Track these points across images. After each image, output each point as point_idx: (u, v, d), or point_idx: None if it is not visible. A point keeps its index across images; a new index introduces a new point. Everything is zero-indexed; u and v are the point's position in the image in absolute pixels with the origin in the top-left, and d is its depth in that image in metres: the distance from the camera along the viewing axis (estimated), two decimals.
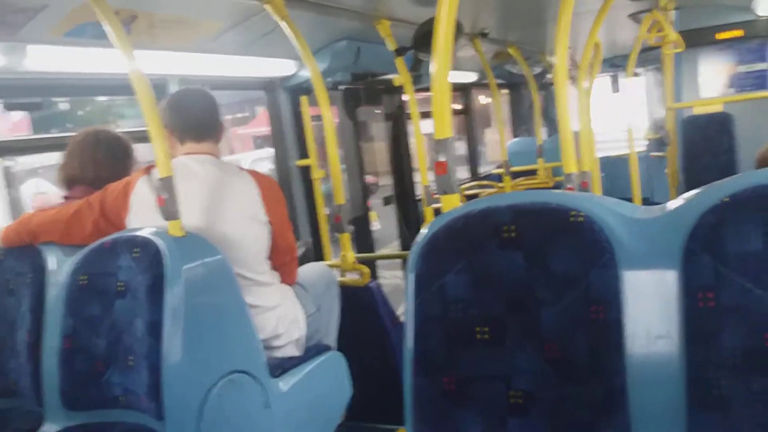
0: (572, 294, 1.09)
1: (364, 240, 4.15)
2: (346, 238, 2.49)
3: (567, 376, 1.09)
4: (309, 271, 2.27)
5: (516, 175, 5.41)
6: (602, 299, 1.07)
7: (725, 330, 0.98)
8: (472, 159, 5.99)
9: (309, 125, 2.96)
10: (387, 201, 4.77)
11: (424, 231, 1.24)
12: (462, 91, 5.81)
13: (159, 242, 1.64)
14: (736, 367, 0.97)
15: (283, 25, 2.33)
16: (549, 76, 6.04)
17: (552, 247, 1.11)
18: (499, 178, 5.04)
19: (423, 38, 3.00)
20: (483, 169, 6.49)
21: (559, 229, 1.11)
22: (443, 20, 1.31)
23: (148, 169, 1.89)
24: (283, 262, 2.02)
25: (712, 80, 4.64)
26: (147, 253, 1.65)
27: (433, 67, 1.32)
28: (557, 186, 4.56)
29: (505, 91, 6.99)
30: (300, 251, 2.58)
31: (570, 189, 2.05)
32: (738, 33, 4.34)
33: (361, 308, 2.44)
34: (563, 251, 1.10)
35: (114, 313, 1.69)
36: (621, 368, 1.05)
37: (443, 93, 1.32)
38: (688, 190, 1.13)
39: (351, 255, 2.49)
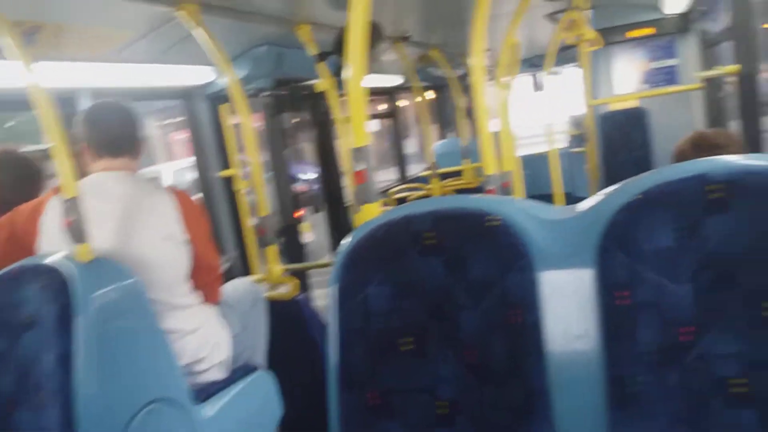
0: (490, 298, 1.08)
1: (295, 251, 4.07)
2: (272, 250, 2.42)
3: (488, 381, 1.08)
4: (234, 288, 2.18)
5: (444, 176, 5.46)
6: (520, 302, 1.07)
7: (641, 326, 0.99)
8: (401, 162, 6.00)
9: (230, 134, 2.87)
10: (316, 209, 4.71)
11: (345, 242, 1.21)
12: (388, 94, 5.81)
13: (65, 268, 1.53)
14: (652, 362, 0.99)
15: (198, 32, 2.24)
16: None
17: (470, 252, 1.10)
18: (427, 180, 5.07)
19: (345, 42, 2.96)
20: (419, 171, 6.51)
21: (476, 234, 1.11)
22: (356, 25, 1.28)
23: (60, 189, 1.77)
24: (205, 282, 1.93)
25: (628, 77, 4.82)
26: (53, 281, 1.54)
27: (348, 73, 1.29)
28: (481, 186, 4.63)
29: (432, 92, 7.06)
30: (225, 267, 2.49)
31: (490, 191, 2.06)
32: (649, 30, 4.53)
33: (290, 322, 2.38)
34: (480, 256, 1.10)
35: (21, 347, 1.57)
36: (541, 370, 1.05)
37: (359, 100, 1.28)
38: (607, 184, 1.14)
39: (277, 268, 2.42)
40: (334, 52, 3.05)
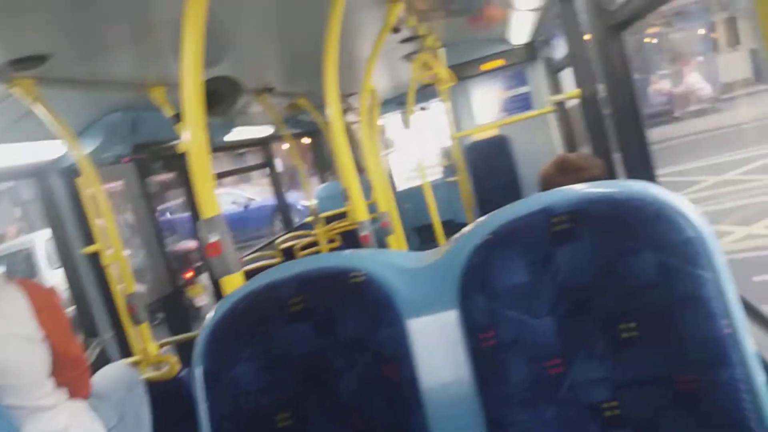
0: (364, 358, 1.05)
1: (182, 320, 3.86)
2: (144, 328, 2.27)
3: None
4: (105, 376, 2.02)
5: (329, 219, 5.45)
6: (393, 357, 1.04)
7: (510, 366, 0.99)
8: (284, 212, 5.93)
9: (90, 209, 2.70)
10: (198, 270, 4.53)
11: (207, 320, 1.13)
12: (262, 145, 5.75)
13: None
14: (527, 400, 0.99)
15: (37, 107, 2.10)
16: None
17: (338, 312, 1.07)
18: (312, 225, 5.04)
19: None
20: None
21: (342, 293, 1.07)
22: (188, 84, 1.23)
23: None
24: (70, 378, 1.77)
25: (487, 107, 5.08)
26: None
27: (186, 136, 1.23)
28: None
29: (309, 138, 7.09)
30: (95, 352, 2.30)
31: (364, 237, 2.07)
32: (500, 62, 4.81)
33: (174, 403, 2.22)
34: (349, 315, 1.06)
35: None
36: (424, 424, 1.02)
37: (202, 166, 1.23)
38: (482, 208, 1.14)
39: (152, 346, 2.27)
40: None
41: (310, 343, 1.07)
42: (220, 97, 2.84)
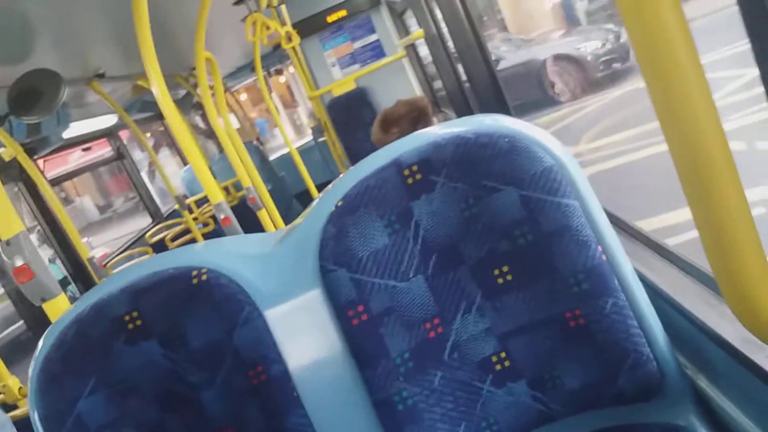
0: (225, 366, 0.93)
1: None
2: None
3: None
4: None
5: (201, 202, 5.17)
6: (258, 358, 0.93)
7: (387, 338, 0.92)
8: (149, 204, 5.55)
9: None
10: (67, 281, 4.15)
11: (35, 356, 0.97)
12: (109, 135, 5.30)
13: None
14: (411, 371, 0.93)
15: None
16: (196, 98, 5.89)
17: (185, 320, 0.94)
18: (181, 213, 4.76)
19: (20, 99, 2.57)
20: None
21: (185, 297, 0.94)
22: None
23: None
24: None
25: (339, 61, 4.96)
26: None
27: None
28: (243, 200, 4.48)
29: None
30: None
31: (225, 220, 1.93)
32: (342, 13, 4.68)
33: None
34: (198, 320, 0.94)
35: None
36: (306, 423, 0.93)
37: None
38: (353, 164, 1.04)
39: (14, 382, 2.03)
40: (12, 112, 2.63)
41: (159, 361, 0.94)
42: (40, 93, 2.52)
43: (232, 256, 0.99)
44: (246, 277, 0.96)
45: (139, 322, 0.93)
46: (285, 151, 7.49)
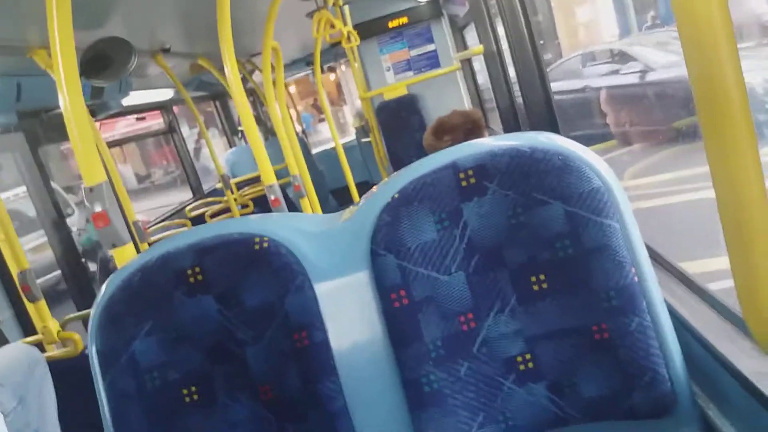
0: (273, 327, 1.02)
1: (87, 295, 3.67)
2: (41, 307, 2.13)
3: (286, 415, 1.02)
4: (0, 358, 1.88)
5: (242, 185, 5.31)
6: (304, 324, 1.01)
7: (423, 324, 1.00)
8: (192, 178, 5.71)
9: None
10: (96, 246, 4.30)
11: (99, 296, 1.07)
12: (163, 109, 5.48)
13: None
14: (441, 357, 0.99)
15: None
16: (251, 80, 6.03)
17: (242, 281, 1.03)
18: (224, 192, 4.90)
19: (91, 63, 2.71)
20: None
21: (246, 261, 1.03)
22: (63, 45, 1.13)
23: None
24: None
25: (394, 66, 5.05)
26: None
27: (62, 101, 1.14)
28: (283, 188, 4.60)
29: (216, 101, 6.82)
30: None
31: (275, 201, 2.02)
32: (404, 20, 4.78)
33: (81, 382, 2.12)
34: (254, 283, 1.03)
35: None
36: (338, 390, 1.01)
37: (84, 131, 1.14)
38: (395, 168, 1.12)
39: (53, 324, 2.15)
40: (83, 74, 2.78)
41: (213, 315, 1.03)
42: (110, 59, 2.66)
43: (292, 231, 1.07)
44: (302, 251, 1.04)
45: (200, 277, 1.02)
46: (326, 147, 7.62)
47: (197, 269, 1.03)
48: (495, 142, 1.04)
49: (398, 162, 4.63)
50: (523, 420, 1.01)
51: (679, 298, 1.16)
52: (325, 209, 4.21)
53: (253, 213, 4.71)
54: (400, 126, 4.69)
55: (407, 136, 4.69)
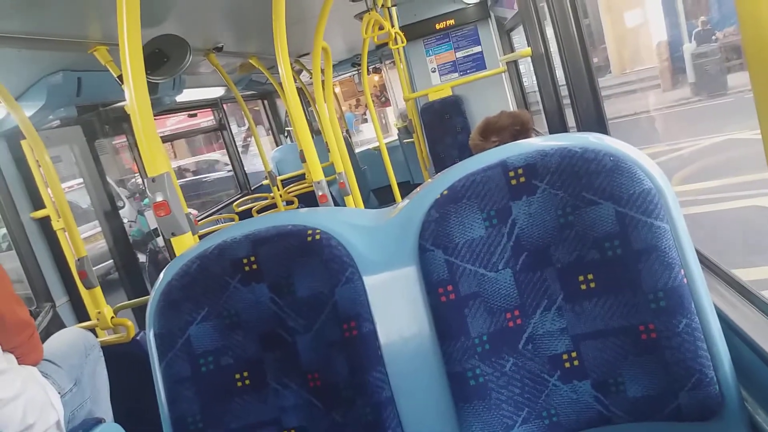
0: (323, 317, 1.05)
1: (138, 284, 3.80)
2: (96, 293, 2.22)
3: (333, 402, 1.05)
4: (58, 341, 1.98)
5: (287, 182, 5.40)
6: (352, 314, 1.04)
7: (469, 319, 1.01)
8: (240, 175, 5.84)
9: (37, 171, 2.61)
10: (155, 233, 4.44)
11: (158, 282, 1.12)
12: (213, 106, 5.62)
13: None
14: (487, 353, 1.01)
15: None
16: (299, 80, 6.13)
17: (295, 271, 1.06)
18: (270, 188, 5.00)
19: (148, 60, 2.81)
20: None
21: (299, 252, 1.07)
22: (127, 43, 1.19)
23: None
24: (17, 343, 1.72)
25: (440, 68, 5.07)
26: None
27: (128, 95, 1.19)
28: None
29: (264, 100, 6.95)
30: (45, 319, 2.26)
31: (322, 197, 2.06)
32: (450, 22, 4.79)
33: (132, 366, 2.20)
34: (306, 273, 1.06)
35: None
36: (384, 380, 1.04)
37: (147, 124, 1.19)
38: (437, 169, 1.14)
39: (107, 310, 2.24)
40: None
41: (266, 303, 1.07)
42: (166, 57, 2.75)
43: (344, 224, 1.10)
44: (353, 244, 1.07)
45: (255, 267, 1.07)
46: (368, 147, 7.68)
47: (252, 258, 1.07)
48: (545, 142, 1.04)
49: (440, 163, 4.64)
50: (566, 417, 1.01)
51: (728, 302, 1.14)
52: (368, 207, 4.25)
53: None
54: (444, 127, 4.71)
55: (450, 137, 4.69)
